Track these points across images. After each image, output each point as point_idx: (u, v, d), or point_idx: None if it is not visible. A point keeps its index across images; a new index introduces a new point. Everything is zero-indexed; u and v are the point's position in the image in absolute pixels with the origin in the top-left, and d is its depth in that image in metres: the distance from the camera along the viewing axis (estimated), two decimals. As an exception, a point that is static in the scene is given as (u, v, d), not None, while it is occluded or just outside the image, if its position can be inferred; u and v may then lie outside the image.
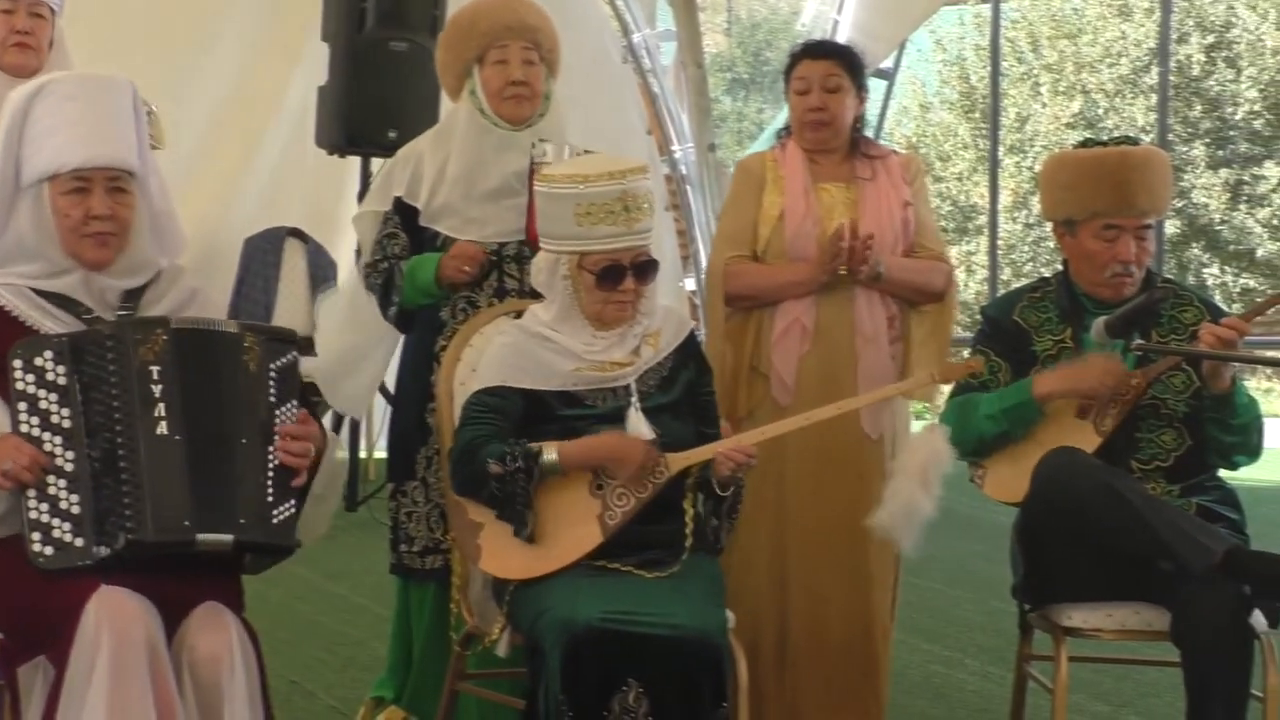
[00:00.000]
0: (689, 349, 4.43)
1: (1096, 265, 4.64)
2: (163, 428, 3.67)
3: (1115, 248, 4.61)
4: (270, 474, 3.76)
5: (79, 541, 3.63)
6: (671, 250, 10.91)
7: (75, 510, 3.64)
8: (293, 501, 3.79)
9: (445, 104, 5.07)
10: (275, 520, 3.76)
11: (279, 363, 3.85)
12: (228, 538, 3.68)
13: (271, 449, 3.78)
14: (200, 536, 3.65)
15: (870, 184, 5.01)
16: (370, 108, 8.64)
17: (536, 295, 4.69)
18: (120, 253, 3.88)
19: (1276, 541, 4.46)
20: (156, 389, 3.68)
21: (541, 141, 4.77)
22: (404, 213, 4.86)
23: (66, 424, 3.67)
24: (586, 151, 4.83)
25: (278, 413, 3.81)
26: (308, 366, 8.41)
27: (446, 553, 4.77)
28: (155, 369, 3.69)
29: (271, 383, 3.82)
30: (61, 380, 3.68)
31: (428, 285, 4.78)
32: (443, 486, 4.74)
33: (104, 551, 3.62)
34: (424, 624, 4.89)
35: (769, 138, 5.23)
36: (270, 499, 3.75)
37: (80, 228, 3.83)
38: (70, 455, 3.66)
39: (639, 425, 4.26)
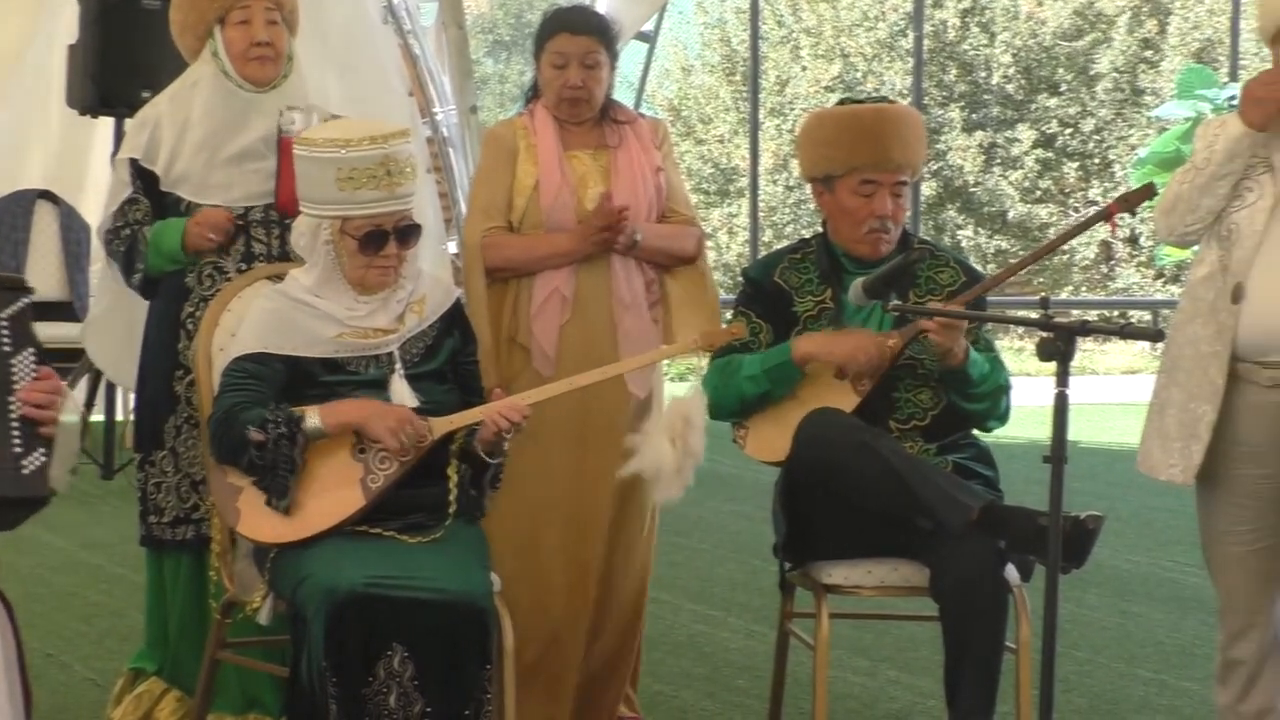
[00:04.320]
0: (454, 317, 4.42)
1: (854, 221, 4.70)
2: None
3: (872, 203, 4.67)
4: (15, 424, 3.55)
5: None
6: (434, 213, 10.82)
7: None
8: (42, 450, 3.57)
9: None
10: (26, 471, 3.55)
11: (9, 311, 3.61)
12: None
13: (12, 399, 3.56)
14: None
15: (621, 151, 5.02)
16: (123, 67, 8.45)
17: (285, 259, 4.65)
18: None
19: (1029, 497, 4.57)
20: None
21: (290, 110, 4.71)
22: (144, 177, 4.77)
23: None
24: (334, 116, 4.78)
25: (13, 362, 3.58)
26: (73, 333, 8.24)
27: (198, 523, 4.72)
28: None
29: (4, 331, 3.59)
30: None
31: (173, 251, 4.69)
32: (193, 455, 4.70)
33: None
34: (179, 595, 4.81)
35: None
36: (17, 449, 3.54)
37: None
38: None
39: (402, 392, 4.25)
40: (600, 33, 4.99)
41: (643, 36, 14.36)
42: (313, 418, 4.13)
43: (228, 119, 4.75)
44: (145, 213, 4.76)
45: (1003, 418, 4.69)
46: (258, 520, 4.18)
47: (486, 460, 4.27)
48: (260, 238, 4.76)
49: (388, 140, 4.19)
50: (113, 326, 5.06)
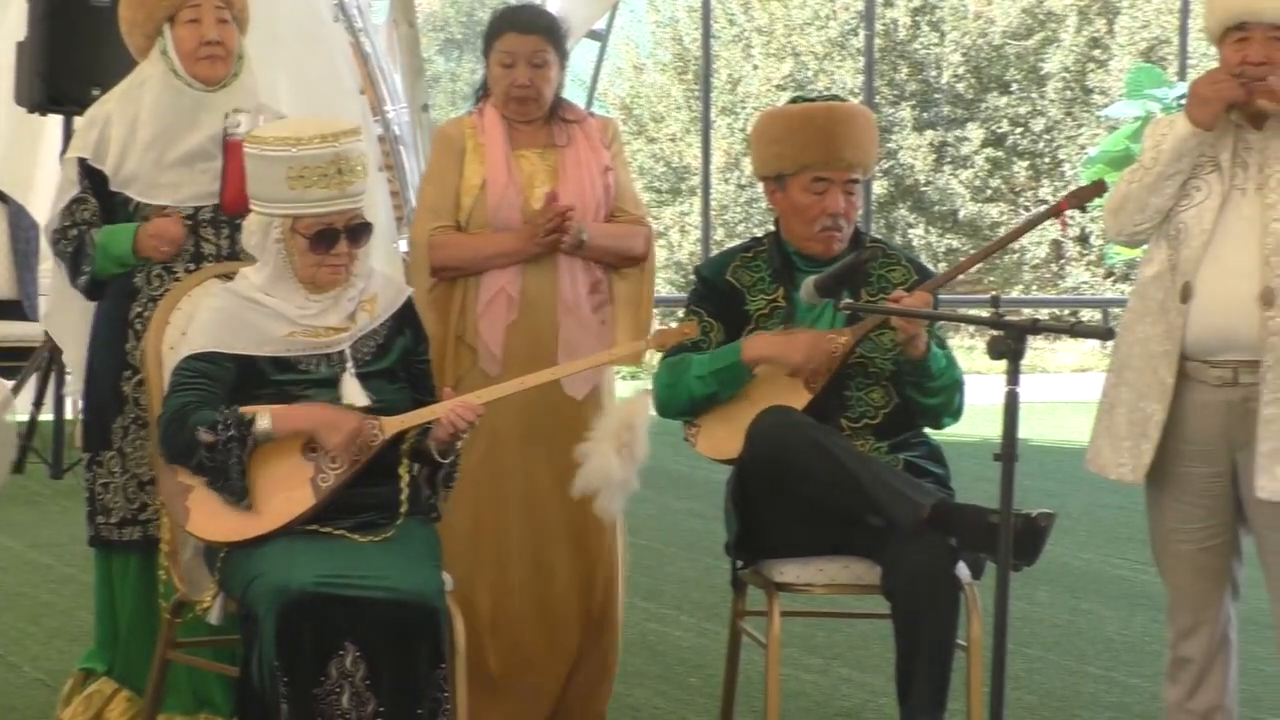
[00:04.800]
0: (406, 315, 4.40)
1: (806, 219, 4.71)
2: None
3: (824, 201, 4.68)
4: None
5: None
6: (386, 212, 10.81)
7: None
8: None
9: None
10: None
11: None
12: None
13: None
14: None
15: (569, 150, 5.01)
16: (72, 65, 8.41)
17: (234, 259, 4.63)
18: None
19: (979, 495, 4.58)
20: None
21: (236, 112, 4.68)
22: (93, 176, 4.74)
23: None
24: (283, 116, 4.76)
25: None
26: (23, 331, 8.17)
27: (145, 524, 4.70)
28: None
29: None
30: None
31: (122, 256, 4.67)
32: (140, 455, 4.68)
33: None
34: (128, 595, 4.79)
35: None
36: None
37: None
38: None
39: (353, 391, 4.23)
40: (548, 32, 4.98)
41: (594, 35, 14.35)
42: (263, 421, 4.11)
43: (177, 118, 4.72)
44: (93, 212, 4.73)
45: (957, 413, 4.71)
46: (207, 519, 4.16)
47: (439, 460, 4.27)
48: (209, 237, 4.74)
49: (339, 139, 4.18)
50: (71, 312, 5.00)
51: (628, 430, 4.37)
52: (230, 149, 4.62)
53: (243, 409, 4.13)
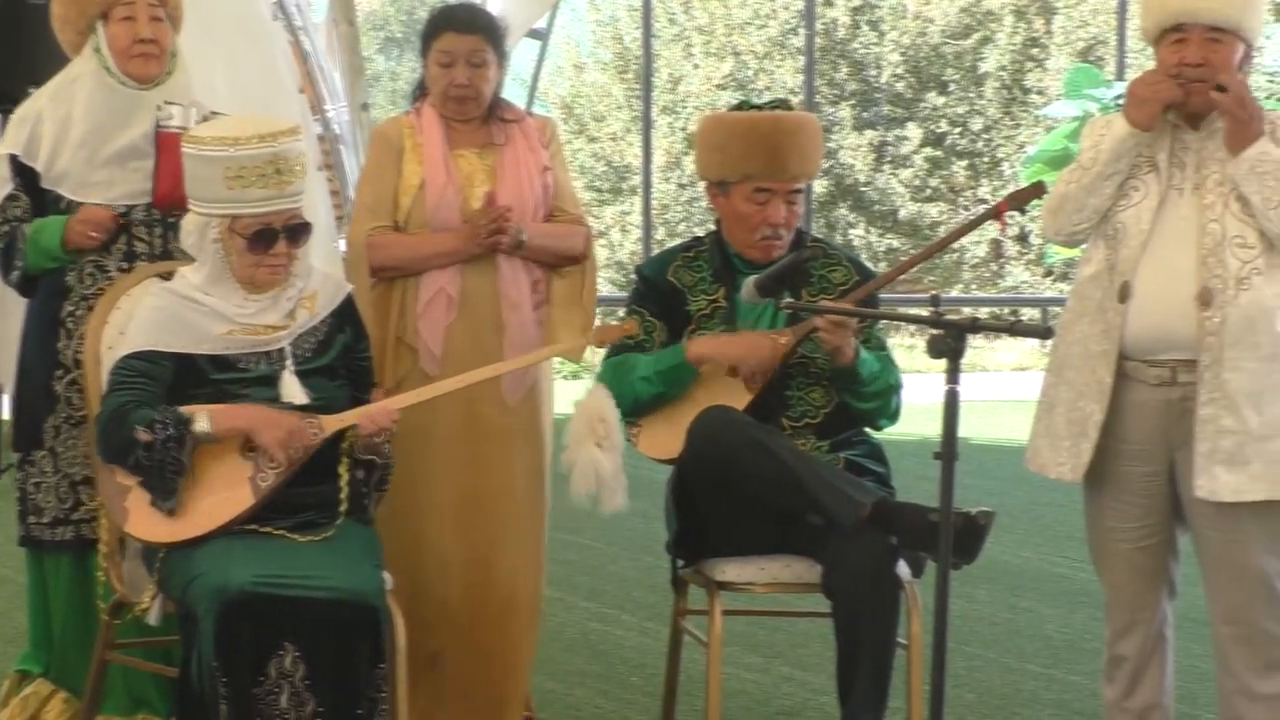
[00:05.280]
0: (345, 313, 4.39)
1: (748, 227, 4.71)
2: None
3: (766, 211, 4.69)
4: None
5: None
6: (326, 211, 10.76)
7: None
8: None
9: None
10: None
11: None
12: None
13: None
14: None
15: (508, 149, 5.00)
16: (7, 62, 8.35)
17: (168, 258, 4.61)
18: None
19: (920, 493, 4.60)
20: None
21: (167, 104, 4.66)
22: (24, 174, 4.71)
23: None
24: (215, 113, 4.73)
25: None
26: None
27: (77, 523, 4.68)
28: None
29: None
30: None
31: (53, 249, 4.64)
32: (73, 455, 4.66)
33: None
34: (60, 596, 4.76)
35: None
36: None
37: None
38: None
39: (293, 388, 4.22)
40: (487, 31, 4.96)
41: (535, 34, 14.34)
42: (202, 421, 4.09)
43: (110, 116, 4.69)
44: (25, 210, 4.70)
45: (893, 416, 4.73)
46: (146, 520, 4.14)
47: (358, 458, 4.25)
48: (142, 236, 4.71)
49: (277, 138, 4.17)
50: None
51: (600, 423, 4.38)
52: (162, 141, 4.59)
53: (182, 409, 4.11)
